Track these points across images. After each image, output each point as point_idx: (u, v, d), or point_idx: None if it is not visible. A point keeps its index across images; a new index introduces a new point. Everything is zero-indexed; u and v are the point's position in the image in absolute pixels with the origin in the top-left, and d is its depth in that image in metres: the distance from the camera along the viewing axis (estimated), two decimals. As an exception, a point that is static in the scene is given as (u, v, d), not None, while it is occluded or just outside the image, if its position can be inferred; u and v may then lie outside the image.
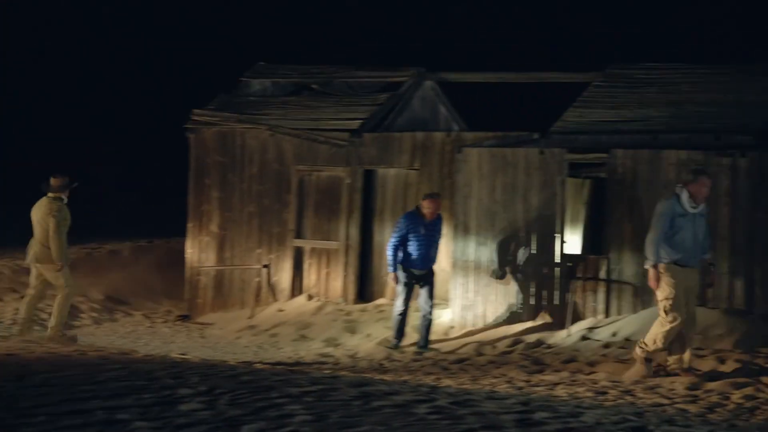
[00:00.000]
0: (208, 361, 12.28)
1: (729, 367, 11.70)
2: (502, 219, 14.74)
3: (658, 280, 10.81)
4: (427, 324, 14.07)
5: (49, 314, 14.29)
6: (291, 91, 19.34)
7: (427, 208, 13.94)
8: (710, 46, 28.59)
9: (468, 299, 14.93)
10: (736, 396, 10.52)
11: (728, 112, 15.05)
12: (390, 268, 14.01)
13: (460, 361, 13.10)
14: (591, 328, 13.82)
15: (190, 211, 18.72)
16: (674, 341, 11.00)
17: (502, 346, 13.76)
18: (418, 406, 7.16)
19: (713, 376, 11.35)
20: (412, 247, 13.90)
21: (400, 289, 14.03)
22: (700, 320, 13.19)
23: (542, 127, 15.69)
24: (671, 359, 11.16)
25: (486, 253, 14.86)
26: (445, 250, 16.12)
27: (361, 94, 18.72)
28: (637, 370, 11.04)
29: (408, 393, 7.83)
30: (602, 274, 14.20)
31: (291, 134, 17.87)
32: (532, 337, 13.90)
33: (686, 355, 11.15)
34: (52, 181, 13.66)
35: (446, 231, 16.59)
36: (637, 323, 13.48)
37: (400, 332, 14.12)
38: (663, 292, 10.82)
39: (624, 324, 13.61)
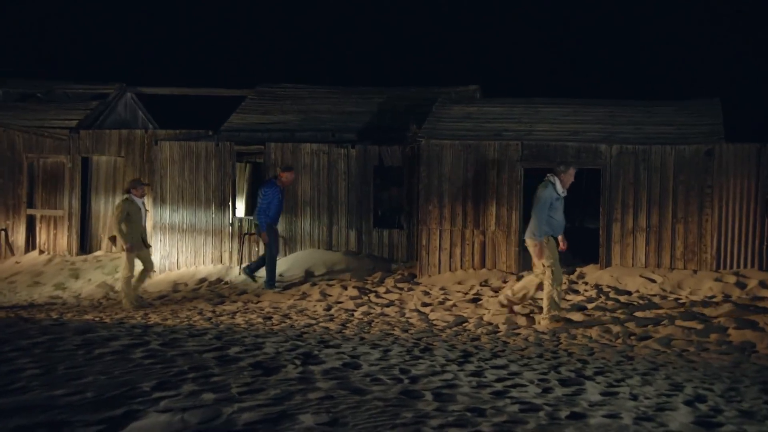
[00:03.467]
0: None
1: (350, 292, 11.04)
2: (190, 193, 13.24)
3: (542, 251, 8.76)
4: None
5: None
6: (19, 98, 16.87)
7: (286, 178, 11.80)
8: (327, 71, 28.11)
9: (165, 250, 13.29)
10: (358, 313, 9.88)
11: (339, 118, 14.56)
12: (263, 227, 11.52)
13: (162, 297, 11.54)
14: (255, 268, 12.71)
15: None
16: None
17: (192, 284, 12.32)
18: (134, 350, 5.67)
19: (340, 300, 10.72)
20: (276, 209, 11.64)
21: (271, 240, 11.59)
22: (327, 259, 12.56)
23: (216, 127, 14.41)
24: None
25: (177, 217, 13.31)
26: (149, 215, 14.50)
27: (78, 101, 16.66)
28: (547, 325, 8.77)
29: (125, 337, 6.29)
30: (261, 230, 13.10)
31: (20, 130, 15.37)
32: (214, 276, 12.57)
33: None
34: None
35: (148, 200, 14.88)
36: (287, 263, 12.57)
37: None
38: (548, 259, 8.81)
39: (278, 264, 12.60)
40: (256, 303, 10.65)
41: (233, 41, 32.40)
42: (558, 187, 8.81)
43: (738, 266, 10.57)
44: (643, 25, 29.39)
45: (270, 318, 9.45)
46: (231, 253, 13.04)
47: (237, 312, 9.90)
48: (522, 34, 30.64)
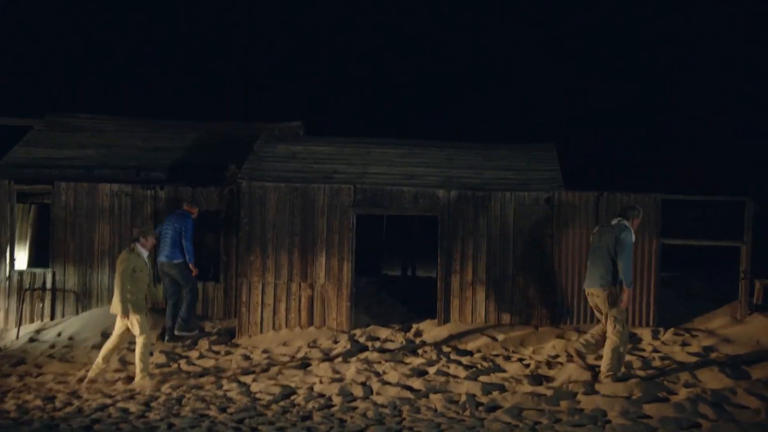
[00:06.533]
0: None
1: (156, 359, 9.67)
2: (-45, 240, 11.29)
3: (619, 300, 8.00)
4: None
5: None
6: None
7: (198, 213, 10.83)
8: (134, 102, 25.86)
9: None
10: (166, 386, 8.57)
11: (147, 154, 13.18)
12: (191, 259, 10.38)
13: None
14: (38, 330, 10.99)
15: None
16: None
17: (-46, 352, 10.36)
18: None
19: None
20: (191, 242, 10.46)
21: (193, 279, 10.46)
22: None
23: (-8, 162, 12.51)
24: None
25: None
26: None
27: None
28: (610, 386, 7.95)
29: None
30: (48, 284, 11.36)
31: None
32: (-17, 342, 10.67)
33: None
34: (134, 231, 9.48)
35: None
36: (79, 323, 10.97)
37: None
38: (623, 313, 8.03)
39: (67, 325, 10.98)
40: (37, 376, 9.01)
41: (20, 62, 29.37)
42: (632, 232, 8.19)
43: (578, 321, 10.34)
44: (466, 63, 30.05)
45: (53, 399, 7.91)
46: (7, 312, 11.23)
47: (9, 391, 8.25)
48: (344, 68, 30.41)
